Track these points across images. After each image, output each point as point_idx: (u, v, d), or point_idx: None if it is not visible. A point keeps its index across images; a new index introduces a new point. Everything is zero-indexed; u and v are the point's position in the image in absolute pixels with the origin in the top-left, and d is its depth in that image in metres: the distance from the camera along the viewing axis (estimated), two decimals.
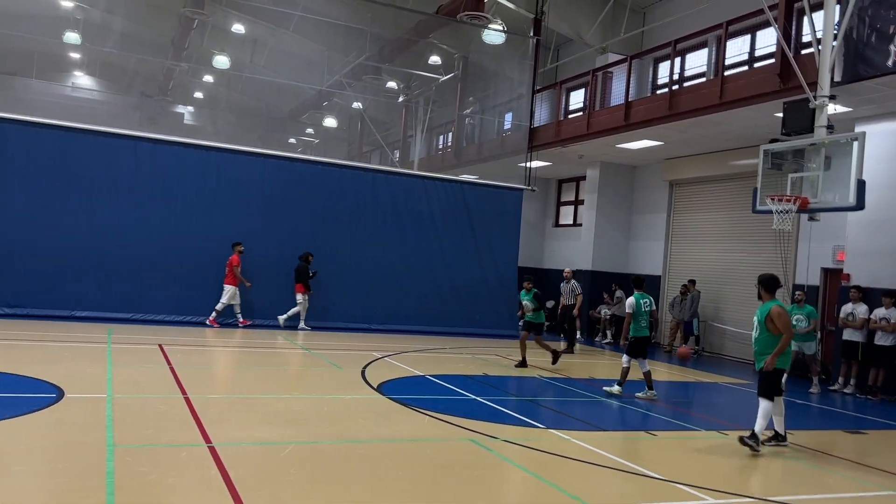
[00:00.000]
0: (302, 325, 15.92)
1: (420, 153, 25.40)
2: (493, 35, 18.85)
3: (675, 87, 16.00)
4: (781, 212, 10.66)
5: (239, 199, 16.07)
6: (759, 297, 7.95)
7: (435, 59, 23.48)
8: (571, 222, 23.18)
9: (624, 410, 9.70)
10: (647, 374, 10.48)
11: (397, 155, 28.22)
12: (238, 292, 15.33)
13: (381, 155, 28.74)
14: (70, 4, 25.40)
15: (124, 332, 13.07)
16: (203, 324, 15.16)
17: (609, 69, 18.35)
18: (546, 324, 10.55)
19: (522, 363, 12.70)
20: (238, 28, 24.33)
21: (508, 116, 23.08)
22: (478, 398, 9.50)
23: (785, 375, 8.11)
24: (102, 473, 5.17)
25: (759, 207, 11.44)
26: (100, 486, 4.90)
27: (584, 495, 5.61)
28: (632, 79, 17.04)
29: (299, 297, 15.86)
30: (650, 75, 18.86)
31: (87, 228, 14.71)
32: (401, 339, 15.74)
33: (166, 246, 15.26)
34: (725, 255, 17.55)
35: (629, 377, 10.49)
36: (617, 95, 17.77)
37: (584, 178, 21.76)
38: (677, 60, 16.88)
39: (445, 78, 24.36)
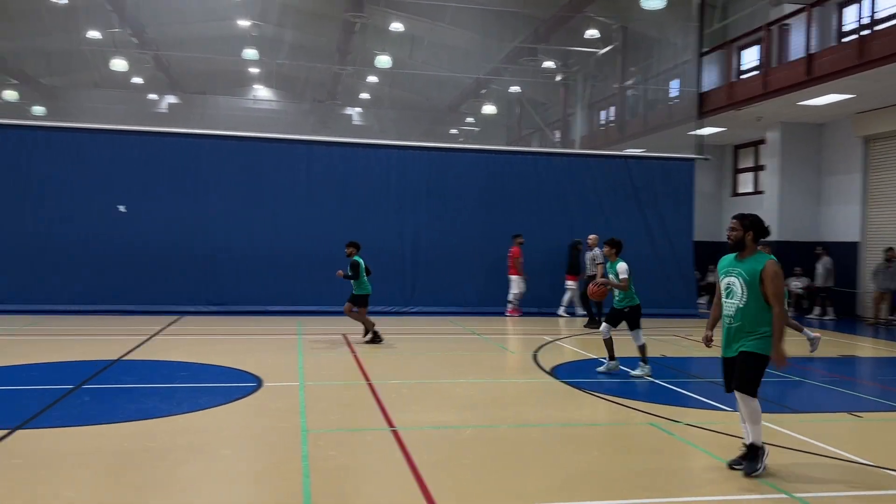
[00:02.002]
0: (562, 310, 16.25)
1: (581, 131, 24.85)
2: (654, 0, 17.96)
3: (866, 32, 14.34)
4: None
5: (407, 192, 16.63)
6: (737, 248, 5.49)
7: (592, 33, 22.83)
8: (752, 190, 21.60)
9: (821, 390, 8.91)
10: (643, 348, 9.30)
11: (558, 135, 27.83)
12: (522, 282, 15.93)
13: (542, 136, 28.49)
14: (246, 23, 27.53)
15: (311, 324, 14.03)
16: (381, 313, 15.86)
17: (785, 21, 16.83)
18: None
19: (375, 338, 11.68)
20: (396, 26, 25.12)
21: (674, 84, 21.93)
22: (656, 381, 9.15)
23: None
24: (299, 457, 5.57)
25: None
26: (297, 469, 5.28)
27: (781, 483, 5.21)
28: (812, 28, 15.52)
29: (570, 283, 16.18)
30: (834, 22, 17.05)
31: (272, 230, 15.88)
32: (571, 321, 15.54)
33: (343, 241, 16.11)
34: None
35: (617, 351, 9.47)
36: (796, 49, 16.27)
37: (762, 141, 20.18)
38: (866, 2, 15.11)
39: (604, 51, 23.63)
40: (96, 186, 15.20)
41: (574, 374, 9.49)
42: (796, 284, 17.83)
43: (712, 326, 5.91)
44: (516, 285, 15.99)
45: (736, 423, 7.14)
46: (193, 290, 15.41)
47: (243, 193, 15.88)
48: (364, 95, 34.64)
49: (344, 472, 5.35)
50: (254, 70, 33.78)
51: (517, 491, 4.99)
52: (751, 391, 5.37)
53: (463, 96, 30.32)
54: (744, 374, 5.36)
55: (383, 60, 25.82)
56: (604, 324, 9.57)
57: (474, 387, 8.69)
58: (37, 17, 26.49)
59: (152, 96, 34.31)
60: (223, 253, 15.66)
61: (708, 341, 5.94)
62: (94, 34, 26.52)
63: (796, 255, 18.08)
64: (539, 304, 16.54)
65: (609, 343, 9.45)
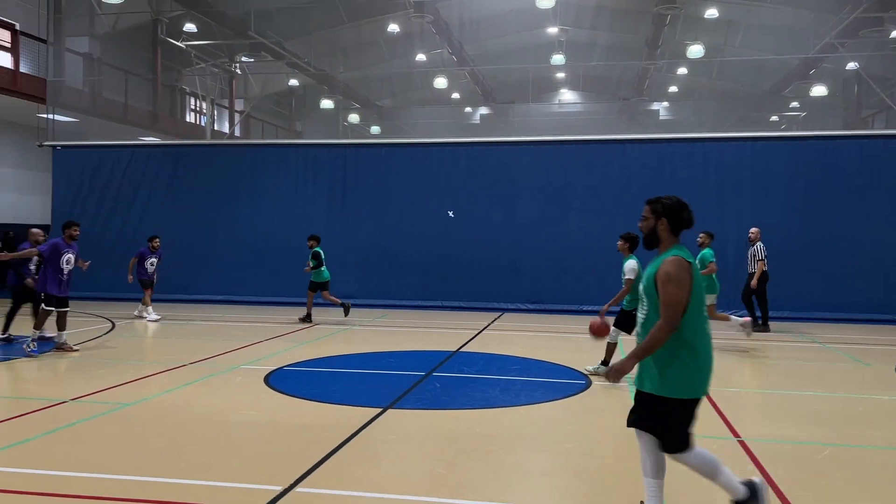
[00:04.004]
0: None
1: None
2: None
3: None
4: None
5: (725, 186, 15.63)
6: (650, 243, 4.15)
7: None
8: None
9: None
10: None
11: None
12: None
13: (889, 117, 24.70)
14: (554, 30, 28.26)
15: None
16: None
17: None
18: None
19: (306, 318, 13.53)
20: (712, 13, 23.74)
21: None
22: None
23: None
24: (637, 459, 5.51)
25: None
26: (638, 470, 5.23)
27: None
28: None
29: None
30: None
31: (585, 230, 15.98)
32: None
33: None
34: None
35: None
36: None
37: None
38: None
39: None
40: (428, 194, 16.81)
41: None
42: None
43: None
44: None
45: None
46: (512, 288, 16.23)
47: (553, 196, 16.30)
48: (672, 88, 33.41)
49: (693, 478, 5.15)
50: (560, 75, 34.55)
51: None
52: (676, 447, 4.04)
53: (786, 80, 27.58)
54: (657, 423, 4.03)
55: (695, 50, 24.63)
56: (613, 328, 8.52)
57: (824, 401, 7.82)
58: (376, 47, 30.28)
59: (468, 109, 37.01)
60: (538, 253, 16.23)
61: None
62: (420, 57, 29.47)
63: None
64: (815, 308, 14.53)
65: (611, 348, 8.69)
